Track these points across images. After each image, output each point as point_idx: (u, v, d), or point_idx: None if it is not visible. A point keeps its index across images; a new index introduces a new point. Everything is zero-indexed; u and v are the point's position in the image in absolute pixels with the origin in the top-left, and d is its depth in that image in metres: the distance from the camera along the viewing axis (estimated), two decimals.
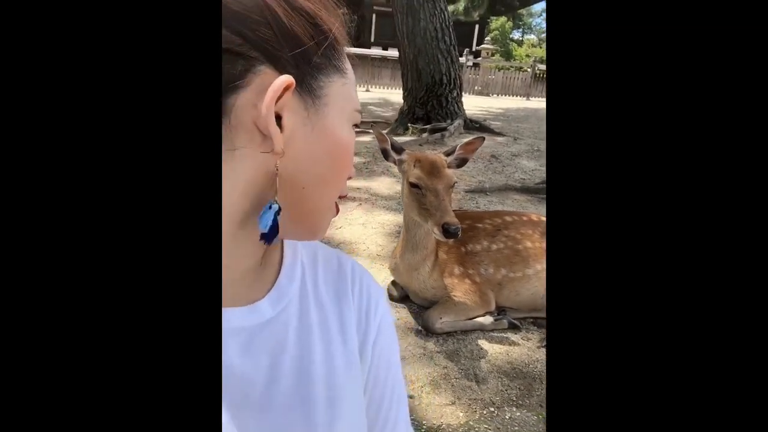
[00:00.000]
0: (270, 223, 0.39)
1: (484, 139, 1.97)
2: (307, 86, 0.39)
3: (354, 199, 3.35)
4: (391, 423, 0.53)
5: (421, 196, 1.74)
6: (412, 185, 1.76)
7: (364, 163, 4.33)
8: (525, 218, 2.18)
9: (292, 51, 0.37)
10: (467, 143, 1.89)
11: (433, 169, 1.76)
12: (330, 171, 0.42)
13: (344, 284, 0.52)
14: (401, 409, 0.54)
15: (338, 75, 0.41)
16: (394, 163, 1.91)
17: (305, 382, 0.46)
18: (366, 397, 0.52)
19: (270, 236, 0.40)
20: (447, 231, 1.63)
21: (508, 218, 2.16)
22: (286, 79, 0.36)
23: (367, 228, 2.89)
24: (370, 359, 0.52)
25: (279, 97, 0.36)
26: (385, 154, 1.91)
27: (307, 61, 0.39)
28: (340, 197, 0.46)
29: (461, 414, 1.51)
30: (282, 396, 0.44)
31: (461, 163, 1.92)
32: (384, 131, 6.25)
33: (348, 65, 0.43)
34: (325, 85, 0.41)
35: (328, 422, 0.45)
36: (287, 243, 0.51)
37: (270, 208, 0.39)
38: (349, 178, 0.46)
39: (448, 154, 1.89)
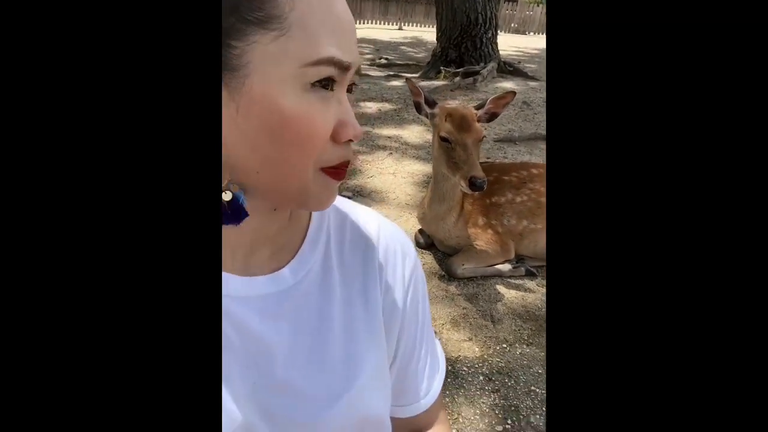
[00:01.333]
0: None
1: (515, 94, 2.01)
2: None
3: (385, 148, 3.45)
4: (424, 351, 0.57)
5: (450, 149, 1.84)
6: (442, 139, 1.85)
7: (395, 110, 4.36)
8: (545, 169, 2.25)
9: None
10: (498, 98, 1.94)
11: (463, 123, 1.84)
12: (277, 150, 0.36)
13: (371, 248, 0.51)
14: (431, 342, 0.58)
15: (263, 30, 0.33)
16: (426, 116, 1.99)
17: (321, 346, 0.46)
18: (401, 344, 0.54)
19: (231, 221, 0.38)
20: (473, 184, 1.74)
21: (534, 171, 2.24)
22: None
23: (397, 177, 3.02)
24: (401, 316, 0.52)
25: None
26: (418, 108, 1.98)
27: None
28: (338, 167, 0.40)
29: (477, 349, 1.70)
30: (302, 358, 0.45)
31: (491, 117, 1.98)
32: (416, 74, 6.09)
33: (289, 5, 0.34)
34: (242, 52, 0.33)
35: (346, 380, 0.47)
36: (315, 215, 0.50)
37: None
38: (350, 140, 0.39)
39: (478, 108, 1.96)
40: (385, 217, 0.55)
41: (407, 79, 1.93)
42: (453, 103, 1.96)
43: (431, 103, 1.97)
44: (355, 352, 0.48)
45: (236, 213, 0.38)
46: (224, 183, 0.37)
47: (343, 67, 0.36)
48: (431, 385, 0.58)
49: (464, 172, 1.78)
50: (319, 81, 0.36)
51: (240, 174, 0.37)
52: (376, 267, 0.50)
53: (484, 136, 1.91)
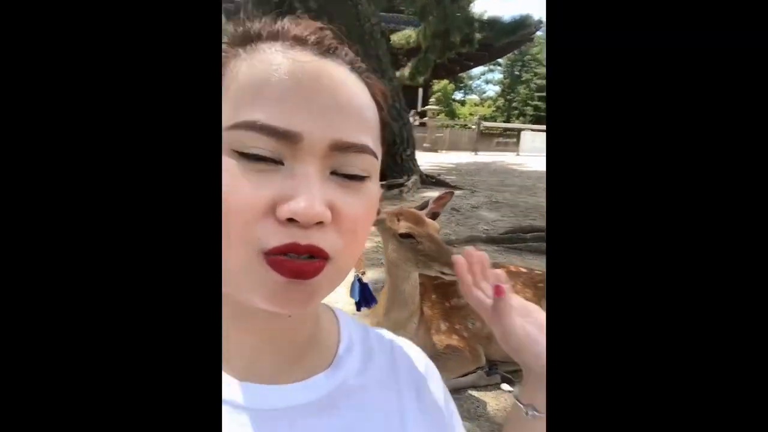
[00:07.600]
0: None
1: (453, 193, 2.02)
2: None
3: None
4: None
5: (416, 244, 1.72)
6: (404, 236, 1.74)
7: None
8: (505, 270, 2.21)
9: None
10: (437, 198, 1.92)
11: (418, 219, 1.76)
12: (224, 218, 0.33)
13: (394, 353, 0.53)
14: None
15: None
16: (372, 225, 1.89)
17: None
18: None
19: None
20: None
21: None
22: None
23: (343, 284, 2.82)
24: (431, 411, 0.52)
25: None
26: None
27: None
28: (285, 250, 0.32)
29: None
30: None
31: (433, 217, 1.93)
32: None
33: (236, 70, 0.35)
34: None
35: None
36: (344, 329, 0.50)
37: None
38: (291, 219, 0.32)
39: (421, 209, 1.91)
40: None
41: None
42: (393, 209, 1.90)
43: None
44: None
45: None
46: None
47: (277, 134, 0.32)
48: None
49: (444, 259, 1.64)
50: (255, 154, 0.32)
51: None
52: (400, 369, 0.51)
53: (440, 229, 1.84)
